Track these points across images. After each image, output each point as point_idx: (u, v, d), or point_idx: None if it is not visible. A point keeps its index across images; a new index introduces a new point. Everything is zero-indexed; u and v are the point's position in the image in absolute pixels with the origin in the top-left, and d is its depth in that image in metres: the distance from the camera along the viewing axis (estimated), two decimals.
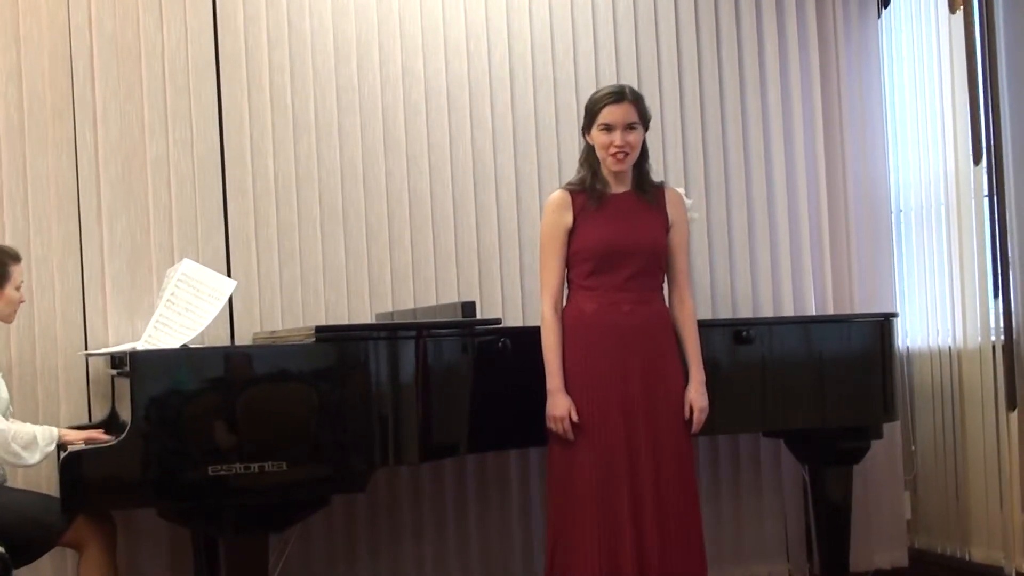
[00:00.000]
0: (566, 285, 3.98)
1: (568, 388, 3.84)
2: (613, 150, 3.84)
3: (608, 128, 3.85)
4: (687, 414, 3.89)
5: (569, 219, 3.90)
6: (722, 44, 5.41)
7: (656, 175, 4.04)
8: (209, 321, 3.97)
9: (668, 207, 3.98)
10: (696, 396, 3.91)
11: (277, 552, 3.89)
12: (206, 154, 4.71)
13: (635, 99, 3.89)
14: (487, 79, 5.09)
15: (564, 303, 3.96)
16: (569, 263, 3.94)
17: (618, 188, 3.94)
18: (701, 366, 3.96)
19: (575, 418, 3.80)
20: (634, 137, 3.86)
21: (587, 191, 3.92)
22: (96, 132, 4.58)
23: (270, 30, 4.83)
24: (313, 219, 4.84)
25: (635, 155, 3.89)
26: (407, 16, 5.00)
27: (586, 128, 3.94)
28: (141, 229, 4.63)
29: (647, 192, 3.95)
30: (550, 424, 3.84)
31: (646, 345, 3.87)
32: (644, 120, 3.90)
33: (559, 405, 3.82)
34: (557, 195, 3.96)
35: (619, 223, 3.88)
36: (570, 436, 3.81)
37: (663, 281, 4.00)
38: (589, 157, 3.96)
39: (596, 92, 3.97)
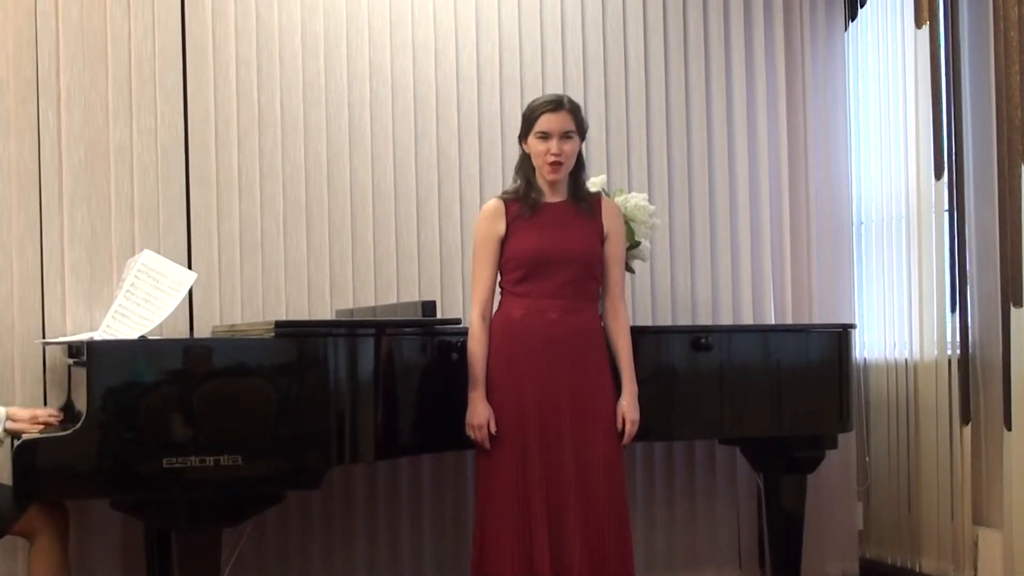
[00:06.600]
0: (498, 291, 3.99)
1: (490, 392, 3.85)
2: (550, 159, 3.85)
3: (545, 136, 3.86)
4: (620, 425, 3.90)
5: (502, 228, 3.91)
6: (689, 50, 5.43)
7: (620, 180, 4.05)
8: (168, 313, 3.93)
9: (604, 218, 3.98)
10: (628, 408, 3.92)
11: (230, 546, 3.87)
12: (170, 144, 4.68)
13: (573, 108, 3.91)
14: (454, 78, 5.09)
15: (495, 310, 3.96)
16: (501, 270, 3.95)
17: (553, 197, 3.95)
18: (634, 378, 3.97)
19: (493, 429, 3.82)
20: (570, 147, 3.87)
21: (521, 200, 3.92)
22: (60, 119, 4.53)
23: (238, 22, 4.80)
24: (276, 213, 4.81)
25: (570, 164, 3.90)
26: (375, 13, 4.99)
27: (523, 136, 3.95)
28: (102, 218, 4.58)
29: (583, 201, 3.95)
30: (468, 432, 3.85)
31: (573, 354, 3.87)
32: (581, 130, 3.92)
33: (478, 413, 3.83)
34: (491, 204, 3.96)
35: (552, 232, 3.88)
36: (486, 445, 3.82)
37: (598, 292, 4.01)
38: (524, 166, 3.97)
39: (534, 100, 3.99)
